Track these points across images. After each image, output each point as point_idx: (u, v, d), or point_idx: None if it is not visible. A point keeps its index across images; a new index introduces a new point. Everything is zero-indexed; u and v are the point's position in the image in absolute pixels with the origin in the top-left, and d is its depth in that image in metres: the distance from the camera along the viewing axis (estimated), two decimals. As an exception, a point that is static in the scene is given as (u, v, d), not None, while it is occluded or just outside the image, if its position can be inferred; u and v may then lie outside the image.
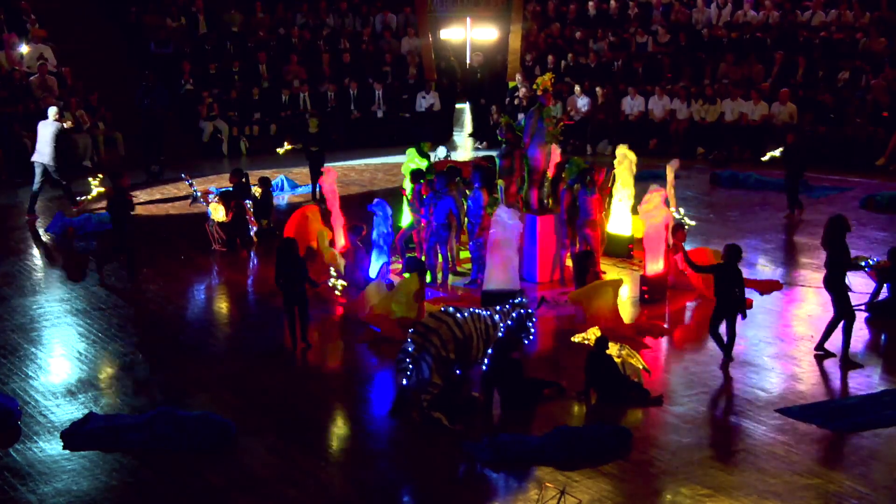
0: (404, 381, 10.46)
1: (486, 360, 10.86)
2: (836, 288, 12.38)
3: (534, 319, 11.22)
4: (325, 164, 19.07)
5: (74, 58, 24.91)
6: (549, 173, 15.29)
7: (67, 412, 10.96)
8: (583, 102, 25.56)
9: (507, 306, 11.10)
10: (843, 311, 12.32)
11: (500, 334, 10.89)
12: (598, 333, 11.68)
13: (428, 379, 10.42)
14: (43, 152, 18.96)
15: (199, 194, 17.36)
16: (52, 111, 19.40)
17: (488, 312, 10.94)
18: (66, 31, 25.58)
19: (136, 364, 12.33)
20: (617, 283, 13.53)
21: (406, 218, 16.40)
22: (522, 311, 11.08)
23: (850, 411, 10.89)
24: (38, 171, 18.91)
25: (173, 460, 9.94)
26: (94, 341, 13.04)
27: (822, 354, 12.44)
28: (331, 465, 9.91)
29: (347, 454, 10.15)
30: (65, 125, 19.72)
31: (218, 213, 16.73)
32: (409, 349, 10.45)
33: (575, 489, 9.20)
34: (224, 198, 16.87)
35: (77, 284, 15.21)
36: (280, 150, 19.72)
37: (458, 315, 10.66)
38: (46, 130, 19.02)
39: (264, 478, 9.68)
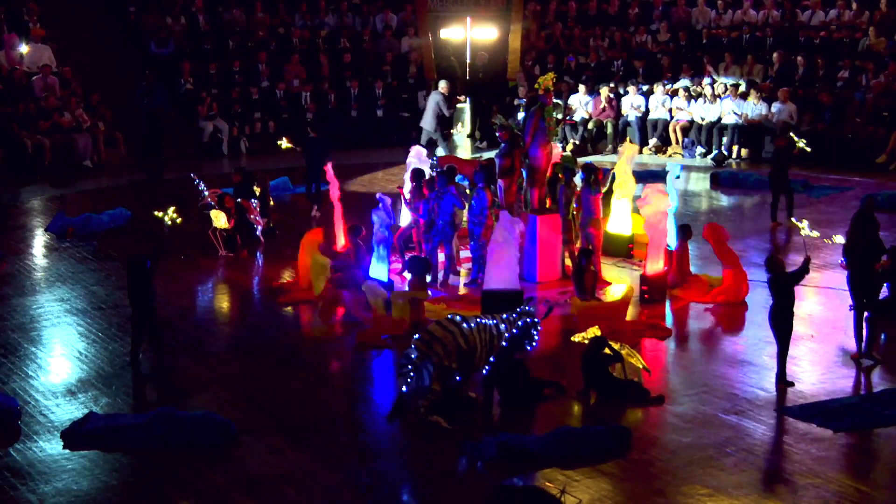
0: (404, 388, 10.44)
1: (486, 367, 10.85)
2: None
3: (539, 328, 11.18)
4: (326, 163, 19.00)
5: (74, 58, 24.92)
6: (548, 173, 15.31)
7: (67, 412, 10.96)
8: (585, 101, 25.54)
9: (514, 315, 11.03)
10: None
11: (503, 343, 10.86)
12: (598, 333, 11.68)
13: (428, 387, 10.41)
14: (426, 119, 22.86)
15: (206, 193, 17.21)
16: (443, 84, 23.02)
17: (494, 321, 10.86)
18: (66, 31, 25.57)
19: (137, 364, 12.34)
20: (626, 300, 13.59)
21: (406, 218, 16.38)
22: (528, 319, 11.04)
23: (850, 411, 10.88)
24: (423, 135, 22.43)
25: (173, 460, 9.94)
26: (94, 341, 13.04)
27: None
28: (331, 465, 9.91)
29: (347, 454, 10.15)
30: (445, 94, 22.89)
31: (220, 219, 16.63)
32: (412, 356, 10.41)
33: (575, 489, 9.20)
34: (225, 200, 16.72)
35: (77, 284, 15.21)
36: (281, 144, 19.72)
37: (465, 325, 10.61)
38: (431, 100, 22.78)
39: (264, 478, 9.68)
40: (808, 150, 19.13)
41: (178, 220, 14.88)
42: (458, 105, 27.94)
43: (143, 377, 12.01)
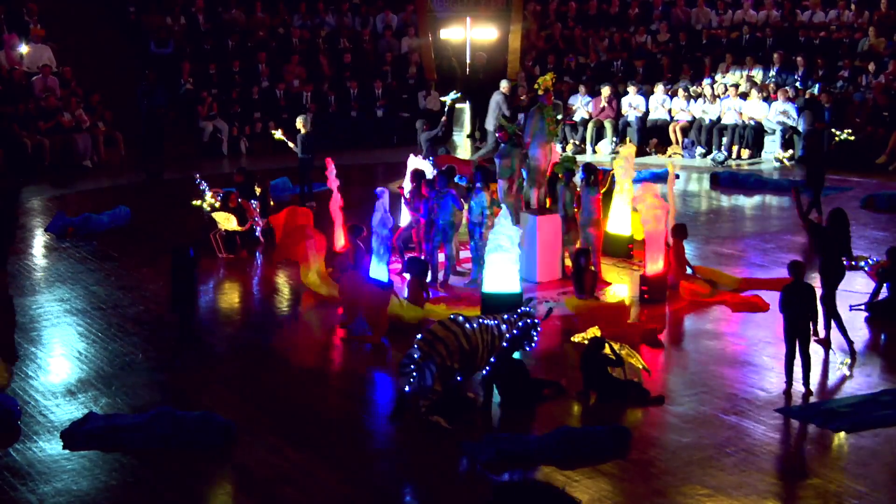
0: (406, 388, 10.44)
1: (486, 368, 10.85)
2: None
3: (538, 329, 11.19)
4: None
5: (74, 58, 24.92)
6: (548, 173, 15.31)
7: (67, 412, 10.95)
8: (585, 101, 25.55)
9: (515, 315, 11.03)
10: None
11: (504, 344, 10.86)
12: (598, 333, 11.67)
13: (430, 387, 10.40)
14: (488, 120, 23.84)
15: (208, 193, 17.18)
16: (504, 84, 23.88)
17: (496, 322, 10.87)
18: (66, 31, 25.58)
19: (136, 364, 12.33)
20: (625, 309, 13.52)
21: (405, 217, 16.37)
22: (529, 320, 11.04)
23: (850, 411, 10.88)
24: (488, 137, 23.89)
25: (173, 460, 9.94)
26: (94, 341, 13.04)
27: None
28: (331, 465, 9.91)
29: (347, 454, 10.15)
30: (505, 93, 23.73)
31: (230, 222, 16.56)
32: (415, 356, 10.41)
33: (575, 489, 9.19)
34: (230, 199, 16.68)
35: (76, 284, 15.21)
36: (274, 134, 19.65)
37: (468, 326, 10.61)
38: (492, 100, 23.70)
39: (264, 478, 9.68)
40: (852, 138, 19.31)
41: (217, 205, 14.73)
42: (459, 105, 27.95)
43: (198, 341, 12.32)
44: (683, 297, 14.40)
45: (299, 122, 19.50)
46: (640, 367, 11.58)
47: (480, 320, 10.82)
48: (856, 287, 14.52)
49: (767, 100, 24.50)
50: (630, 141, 22.84)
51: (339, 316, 13.93)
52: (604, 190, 15.75)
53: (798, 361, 11.46)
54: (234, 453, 10.12)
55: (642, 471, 9.79)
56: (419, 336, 10.64)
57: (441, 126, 20.98)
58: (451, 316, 10.88)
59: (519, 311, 11.11)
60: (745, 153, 24.29)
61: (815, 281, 12.65)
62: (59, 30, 25.45)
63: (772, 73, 25.60)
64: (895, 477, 9.82)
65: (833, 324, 12.49)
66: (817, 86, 24.63)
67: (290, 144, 19.40)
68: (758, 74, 25.62)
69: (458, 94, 23.75)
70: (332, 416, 11.07)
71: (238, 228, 16.54)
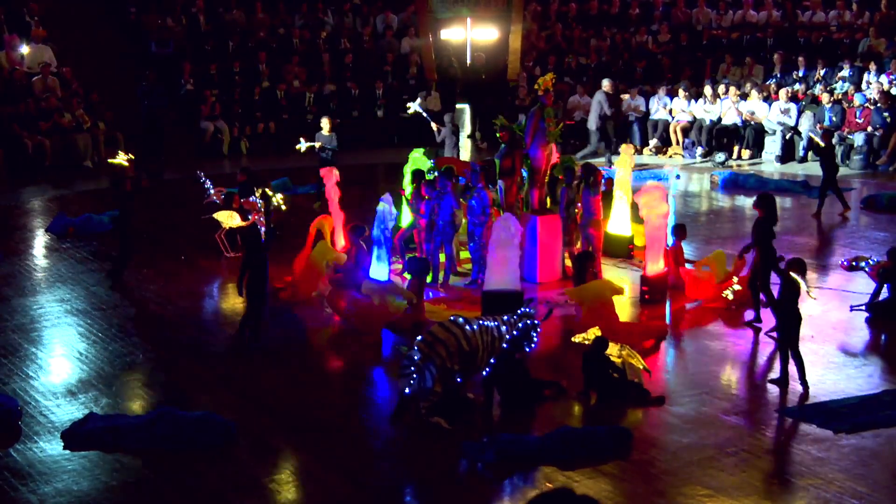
0: (406, 390, 10.44)
1: (487, 369, 10.85)
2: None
3: (539, 330, 11.20)
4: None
5: (74, 58, 24.93)
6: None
7: (67, 412, 10.95)
8: (585, 102, 25.57)
9: (514, 316, 11.04)
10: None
11: (504, 346, 10.86)
12: (599, 333, 11.67)
13: (430, 389, 10.40)
14: (590, 119, 23.75)
15: (212, 191, 17.15)
16: (606, 83, 23.87)
17: (496, 323, 10.87)
18: (66, 31, 25.60)
19: (136, 364, 12.33)
20: (616, 289, 13.49)
21: (406, 218, 16.36)
22: (528, 321, 11.05)
23: (850, 411, 10.88)
24: (591, 136, 23.95)
25: (173, 460, 9.94)
26: (94, 341, 13.04)
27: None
28: (331, 465, 9.91)
29: (347, 454, 10.15)
30: (607, 91, 23.73)
31: (234, 219, 16.50)
32: (415, 357, 10.41)
33: (575, 489, 9.18)
34: (234, 200, 16.65)
35: (77, 284, 15.20)
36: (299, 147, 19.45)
37: (468, 327, 10.62)
38: (594, 100, 23.79)
39: (264, 478, 9.68)
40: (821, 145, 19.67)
41: (283, 207, 14.72)
42: (458, 105, 27.93)
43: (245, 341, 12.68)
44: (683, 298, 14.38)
45: (325, 123, 19.41)
46: (641, 367, 11.58)
47: (480, 321, 10.83)
48: (856, 288, 14.54)
49: (768, 100, 24.50)
50: (630, 142, 22.81)
51: (339, 321, 13.95)
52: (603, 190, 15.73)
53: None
54: (235, 454, 10.12)
55: (643, 471, 9.79)
56: (419, 337, 10.63)
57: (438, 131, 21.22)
58: (451, 317, 10.88)
59: (519, 311, 11.11)
60: (746, 153, 24.29)
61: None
62: (59, 30, 25.46)
63: (775, 72, 25.61)
64: (895, 477, 9.81)
65: (762, 298, 13.03)
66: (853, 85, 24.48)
67: (314, 145, 19.14)
68: (759, 75, 25.64)
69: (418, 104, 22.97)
70: (333, 416, 11.06)
71: (242, 224, 16.51)
